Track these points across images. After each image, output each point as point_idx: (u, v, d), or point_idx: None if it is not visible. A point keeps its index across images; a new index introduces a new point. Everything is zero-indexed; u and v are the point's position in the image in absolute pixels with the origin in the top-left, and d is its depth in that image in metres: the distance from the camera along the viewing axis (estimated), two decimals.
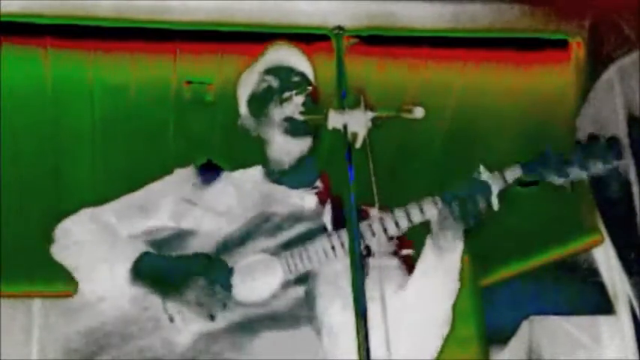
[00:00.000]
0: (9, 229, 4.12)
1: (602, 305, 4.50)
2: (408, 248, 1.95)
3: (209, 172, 2.10)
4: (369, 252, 1.79)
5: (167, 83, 3.63)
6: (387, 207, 1.82)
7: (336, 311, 1.82)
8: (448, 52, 3.65)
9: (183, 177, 2.09)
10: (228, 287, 1.76)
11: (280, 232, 1.85)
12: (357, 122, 1.62)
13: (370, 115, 1.63)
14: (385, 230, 1.79)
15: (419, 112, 1.69)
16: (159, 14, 3.32)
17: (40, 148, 3.91)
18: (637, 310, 3.87)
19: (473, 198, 1.73)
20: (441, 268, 1.81)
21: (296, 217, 1.89)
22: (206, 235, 1.88)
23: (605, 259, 4.42)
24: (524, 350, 4.77)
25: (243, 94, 2.09)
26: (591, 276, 4.57)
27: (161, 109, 3.76)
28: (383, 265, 1.85)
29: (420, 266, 1.85)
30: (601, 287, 4.50)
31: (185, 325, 1.78)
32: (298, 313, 1.79)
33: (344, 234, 1.79)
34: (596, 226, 4.09)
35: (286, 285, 1.80)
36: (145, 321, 1.81)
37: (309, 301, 1.81)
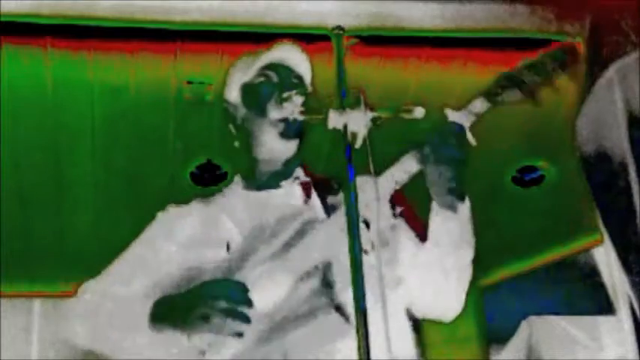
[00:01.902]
0: (9, 229, 4.12)
1: (602, 305, 4.50)
2: (400, 203, 1.94)
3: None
4: (367, 225, 1.78)
5: (167, 83, 3.63)
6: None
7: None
8: (448, 52, 3.65)
9: (170, 218, 2.05)
10: (249, 302, 1.76)
11: (277, 236, 1.85)
12: (357, 122, 1.62)
13: (370, 115, 1.63)
14: (377, 198, 1.78)
15: (419, 112, 1.70)
16: (159, 14, 3.32)
17: (40, 148, 3.92)
18: (637, 310, 3.86)
19: (445, 139, 1.76)
20: (453, 230, 1.82)
21: (287, 217, 1.89)
22: (213, 267, 1.88)
23: (605, 259, 4.42)
24: (524, 350, 4.78)
25: (236, 81, 2.07)
26: (591, 276, 4.57)
27: (161, 109, 3.76)
28: (387, 231, 1.85)
29: (432, 233, 1.85)
30: (601, 287, 4.51)
31: (217, 353, 1.77)
32: (318, 303, 1.78)
33: (337, 216, 1.79)
34: (596, 226, 4.09)
35: (297, 283, 1.79)
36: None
37: (325, 288, 1.79)
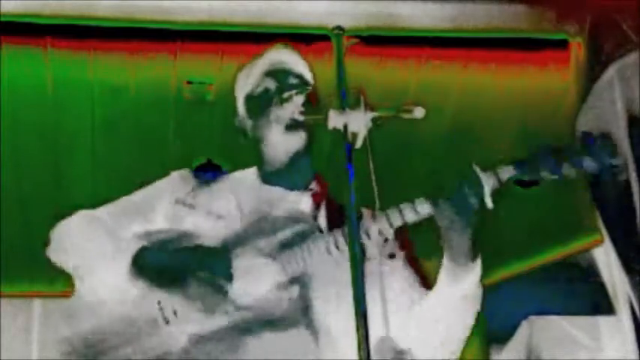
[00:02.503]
0: (9, 229, 4.12)
1: (602, 305, 4.49)
2: (409, 249, 1.95)
3: (206, 173, 2.10)
4: (363, 253, 1.78)
5: (167, 83, 3.63)
6: (376, 209, 1.82)
7: (332, 313, 1.82)
8: (448, 52, 3.65)
9: (180, 179, 2.10)
10: (229, 278, 1.77)
11: (276, 233, 1.85)
12: (357, 122, 1.62)
13: (370, 115, 1.63)
14: (380, 232, 1.78)
15: (419, 112, 1.69)
16: (159, 14, 3.32)
17: (40, 148, 3.91)
18: (637, 310, 3.86)
19: (464, 197, 1.71)
20: (458, 292, 1.81)
21: (292, 219, 1.89)
22: (205, 237, 1.88)
23: (605, 259, 4.42)
24: (524, 350, 4.77)
25: (240, 94, 2.09)
26: (591, 276, 4.57)
27: (161, 109, 3.76)
28: (385, 268, 1.85)
29: (439, 286, 1.84)
30: (601, 287, 4.50)
31: (180, 326, 1.78)
32: (292, 314, 1.78)
33: (339, 235, 1.79)
34: (596, 226, 4.09)
35: (280, 286, 1.79)
36: (142, 322, 1.81)
37: (303, 302, 1.80)
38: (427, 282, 1.93)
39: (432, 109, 1.73)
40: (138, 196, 2.08)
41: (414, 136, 3.81)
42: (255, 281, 1.79)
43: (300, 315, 1.79)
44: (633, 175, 3.45)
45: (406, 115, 1.69)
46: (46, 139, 3.86)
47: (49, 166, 4.00)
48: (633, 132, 3.45)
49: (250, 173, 2.07)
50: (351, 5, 3.36)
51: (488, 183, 1.73)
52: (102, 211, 2.06)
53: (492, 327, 4.75)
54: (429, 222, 1.79)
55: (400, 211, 1.77)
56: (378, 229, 1.78)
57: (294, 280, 1.80)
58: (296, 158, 1.99)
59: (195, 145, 3.97)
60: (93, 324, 1.86)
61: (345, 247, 1.74)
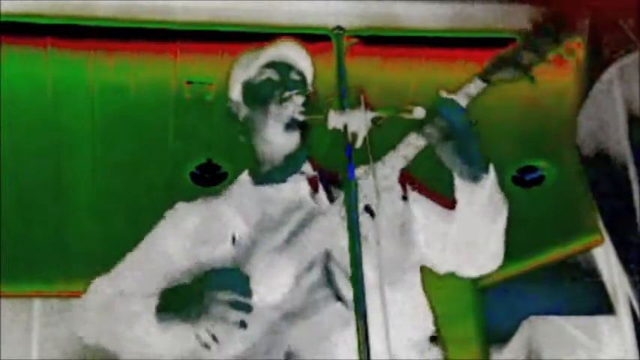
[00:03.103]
0: (9, 229, 4.12)
1: (602, 305, 4.50)
2: (411, 182, 1.94)
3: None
4: (372, 213, 1.78)
5: (167, 83, 3.63)
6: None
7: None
8: (448, 52, 3.65)
9: (183, 214, 2.05)
10: (248, 292, 1.77)
11: (281, 227, 1.85)
12: (357, 122, 1.62)
13: (370, 115, 1.63)
14: (385, 177, 1.79)
15: (419, 112, 1.70)
16: (159, 14, 3.32)
17: (40, 148, 3.91)
18: (637, 310, 3.86)
19: (447, 116, 1.76)
20: (481, 195, 1.81)
21: (293, 208, 1.89)
22: (219, 262, 1.88)
23: (605, 259, 4.42)
24: (524, 350, 4.78)
25: (238, 79, 2.07)
26: (591, 276, 4.57)
27: (161, 109, 3.76)
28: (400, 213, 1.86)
29: (460, 202, 1.84)
30: (601, 287, 4.51)
31: (222, 349, 1.77)
32: (320, 296, 1.78)
33: (338, 205, 1.79)
34: (596, 226, 4.09)
35: (300, 275, 1.79)
36: (187, 356, 1.80)
37: (328, 280, 1.79)
38: (448, 203, 1.92)
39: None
40: (146, 248, 2.04)
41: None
42: (275, 280, 1.78)
43: (328, 292, 1.78)
44: (633, 175, 3.45)
45: (406, 115, 1.70)
46: (46, 139, 3.86)
47: (49, 166, 4.01)
48: (633, 132, 3.45)
49: (243, 180, 2.07)
50: (351, 5, 3.35)
51: (460, 100, 1.82)
52: (117, 276, 2.01)
53: (493, 327, 4.76)
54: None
55: (398, 152, 1.79)
56: (383, 175, 1.77)
57: (312, 264, 1.80)
58: (291, 157, 2.00)
59: (195, 145, 3.98)
60: None
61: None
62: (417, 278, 1.93)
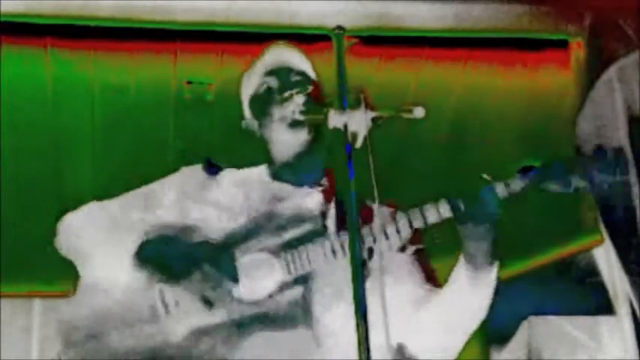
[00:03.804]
0: (9, 229, 4.12)
1: (602, 305, 4.49)
2: (417, 243, 1.95)
3: (215, 169, 2.10)
4: (370, 254, 1.79)
5: (167, 83, 3.63)
6: (395, 206, 1.85)
7: (336, 314, 1.82)
8: (448, 52, 3.65)
9: (189, 175, 2.10)
10: (234, 278, 1.78)
11: (283, 231, 1.85)
12: (357, 122, 1.62)
13: (370, 114, 1.63)
14: (398, 231, 1.80)
15: (419, 112, 1.70)
16: (159, 14, 3.32)
17: (40, 148, 3.91)
18: (637, 310, 3.86)
19: (484, 206, 1.77)
20: (473, 289, 1.85)
21: (300, 218, 1.89)
22: (210, 231, 1.89)
23: (605, 259, 4.41)
24: (524, 350, 4.77)
25: (245, 96, 2.09)
26: (591, 276, 4.57)
27: (161, 109, 3.76)
28: (393, 263, 1.86)
29: (451, 283, 1.86)
30: (601, 287, 4.50)
31: (181, 317, 1.79)
32: (294, 314, 1.79)
33: (346, 236, 1.79)
34: (596, 226, 4.09)
35: (284, 285, 1.80)
36: (143, 309, 1.82)
37: (306, 302, 1.81)
38: (435, 281, 1.94)
39: (432, 109, 1.73)
40: (147, 188, 2.09)
41: (414, 136, 3.81)
42: (259, 279, 1.79)
43: (302, 315, 1.79)
44: (633, 176, 3.45)
45: (406, 115, 1.69)
46: (46, 139, 3.86)
47: (49, 165, 4.00)
48: (633, 132, 3.45)
49: (260, 170, 2.07)
50: (351, 5, 3.35)
51: (500, 190, 1.80)
52: (109, 202, 2.08)
53: (493, 327, 4.74)
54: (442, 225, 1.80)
55: (422, 213, 1.79)
56: (396, 228, 1.78)
57: (298, 280, 1.80)
58: (303, 155, 1.99)
59: (195, 145, 3.97)
60: (92, 307, 1.87)
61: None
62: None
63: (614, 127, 3.50)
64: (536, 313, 4.77)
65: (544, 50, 3.69)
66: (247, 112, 2.08)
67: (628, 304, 4.16)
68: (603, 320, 4.56)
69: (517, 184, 1.82)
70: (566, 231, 4.55)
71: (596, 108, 3.58)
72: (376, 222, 1.79)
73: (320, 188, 1.99)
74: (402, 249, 1.92)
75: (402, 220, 1.80)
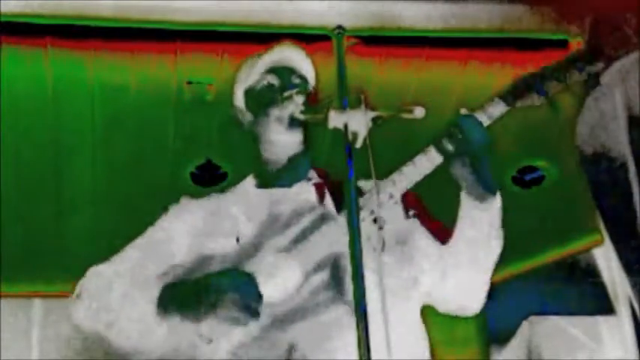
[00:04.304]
0: (9, 229, 4.12)
1: (602, 305, 4.50)
2: (414, 206, 1.94)
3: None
4: (381, 225, 1.78)
5: (167, 83, 3.63)
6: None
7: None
8: (448, 52, 3.65)
9: (184, 212, 2.07)
10: (259, 297, 1.76)
11: (289, 228, 1.85)
12: (357, 122, 1.62)
13: (371, 114, 1.63)
14: (391, 196, 1.79)
15: (419, 112, 1.70)
16: (159, 14, 3.32)
17: (40, 148, 3.91)
18: (637, 310, 3.86)
19: (469, 128, 1.78)
20: (483, 224, 1.84)
21: (300, 211, 1.89)
22: (223, 256, 1.88)
23: (605, 259, 4.42)
24: (524, 350, 4.78)
25: (240, 86, 2.08)
26: (591, 276, 4.57)
27: (161, 109, 3.76)
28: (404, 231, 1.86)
29: (461, 225, 1.87)
30: (601, 287, 4.51)
31: (222, 340, 1.77)
32: (325, 296, 1.78)
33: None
34: (596, 226, 4.09)
35: (307, 276, 1.79)
36: (184, 349, 1.80)
37: (335, 282, 1.80)
38: (447, 234, 1.94)
39: (432, 109, 1.73)
40: (151, 237, 2.04)
41: (414, 136, 3.81)
42: (280, 279, 1.78)
43: (335, 295, 1.78)
44: (633, 175, 3.45)
45: (406, 115, 1.70)
46: (46, 139, 3.86)
47: (49, 166, 4.00)
48: (633, 132, 3.45)
49: (248, 183, 2.07)
50: (351, 5, 3.35)
51: (483, 120, 1.81)
52: (113, 263, 2.01)
53: (493, 327, 4.76)
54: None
55: (414, 165, 1.80)
56: (388, 194, 1.78)
57: (320, 265, 1.79)
58: (294, 159, 2.00)
59: (195, 145, 3.98)
60: None
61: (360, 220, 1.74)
62: (413, 303, 1.93)
63: (614, 127, 3.50)
64: (537, 313, 4.77)
65: (544, 50, 3.69)
66: (240, 102, 2.07)
67: (628, 304, 4.17)
68: (603, 320, 4.57)
69: (495, 108, 1.83)
70: (566, 231, 4.55)
71: (596, 108, 3.58)
72: (372, 195, 1.77)
73: (311, 182, 1.99)
74: (406, 213, 1.92)
75: (397, 177, 1.79)
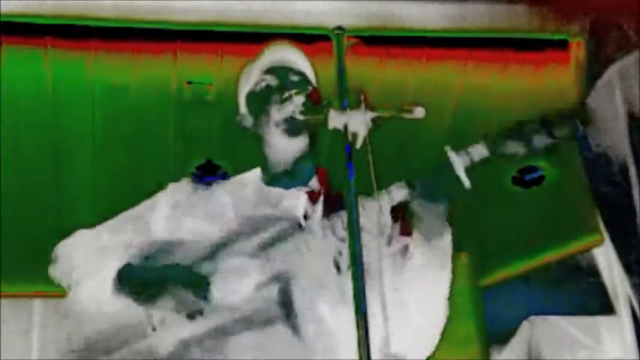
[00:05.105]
0: (9, 229, 4.12)
1: (602, 305, 4.50)
2: (407, 235, 1.95)
3: (204, 180, 2.10)
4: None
5: (167, 83, 3.63)
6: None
7: (322, 306, 1.82)
8: (448, 52, 3.65)
9: (177, 187, 2.09)
10: (204, 297, 1.80)
11: (258, 233, 1.87)
12: (357, 122, 1.62)
13: (371, 115, 1.63)
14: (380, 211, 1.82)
15: (419, 112, 1.70)
16: (159, 14, 3.32)
17: (40, 148, 3.91)
18: (637, 310, 3.87)
19: (436, 178, 1.79)
20: (432, 260, 1.84)
21: (273, 218, 1.90)
22: (192, 244, 1.91)
23: (605, 259, 4.41)
24: (524, 350, 4.77)
25: (242, 92, 2.08)
26: (591, 276, 4.57)
27: (161, 109, 3.76)
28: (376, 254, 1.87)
29: (411, 262, 1.86)
30: (601, 287, 4.50)
31: (167, 332, 1.82)
32: (271, 312, 1.80)
33: (337, 220, 1.83)
34: (596, 226, 4.09)
35: (260, 286, 1.81)
36: (133, 329, 1.85)
37: (284, 299, 1.82)
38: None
39: (432, 109, 1.73)
40: (137, 209, 2.10)
41: (414, 136, 3.81)
42: (237, 283, 1.81)
43: (281, 312, 1.80)
44: (633, 175, 3.45)
45: (406, 115, 1.69)
46: (46, 139, 3.86)
47: (49, 166, 4.00)
48: (633, 132, 3.45)
49: (254, 175, 2.07)
50: (351, 5, 3.36)
51: (460, 161, 1.79)
52: (99, 228, 2.10)
53: (493, 327, 4.75)
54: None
55: (376, 200, 1.81)
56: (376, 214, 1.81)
57: (274, 279, 1.82)
58: (299, 161, 2.00)
59: (195, 145, 3.97)
60: (81, 333, 1.91)
61: (341, 233, 1.79)
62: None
63: (614, 127, 3.50)
64: (537, 313, 4.77)
65: (544, 50, 3.69)
66: (243, 107, 2.07)
67: (628, 304, 4.16)
68: (603, 320, 4.57)
69: (477, 151, 1.81)
70: (566, 231, 4.55)
71: (596, 108, 3.58)
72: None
73: (306, 189, 1.99)
74: (389, 242, 1.92)
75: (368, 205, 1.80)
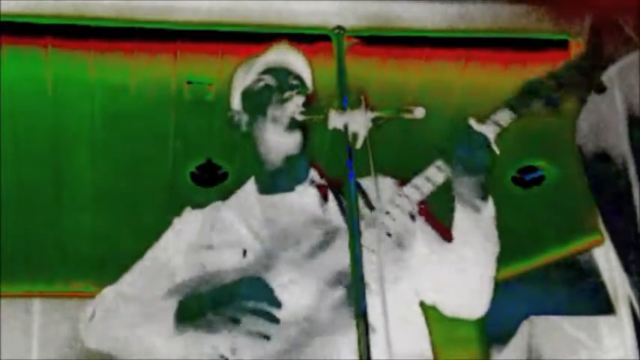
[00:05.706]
0: (9, 229, 4.12)
1: (602, 305, 4.50)
2: (427, 211, 1.94)
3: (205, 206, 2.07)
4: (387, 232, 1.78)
5: (167, 83, 3.63)
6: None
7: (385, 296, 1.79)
8: (448, 52, 3.64)
9: (186, 224, 2.06)
10: (277, 303, 1.75)
11: (300, 242, 1.85)
12: (357, 122, 1.62)
13: (371, 115, 1.63)
14: (410, 214, 1.81)
15: (419, 112, 1.70)
16: (159, 14, 3.32)
17: (40, 148, 3.91)
18: (637, 310, 3.87)
19: (472, 151, 1.78)
20: (478, 230, 1.84)
21: (310, 222, 1.88)
22: (230, 271, 1.87)
23: (605, 259, 4.42)
24: (524, 350, 4.78)
25: (238, 88, 2.08)
26: (591, 276, 4.57)
27: (161, 109, 3.76)
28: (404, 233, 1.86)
29: (457, 232, 1.86)
30: (601, 287, 4.50)
31: (242, 358, 1.76)
32: (342, 313, 1.75)
33: (341, 219, 1.83)
34: (596, 226, 4.09)
35: (323, 292, 1.77)
36: None
37: (352, 298, 1.78)
38: (450, 236, 1.93)
39: (432, 109, 1.73)
40: (151, 260, 2.04)
41: (414, 136, 3.81)
42: (295, 295, 1.77)
43: (351, 311, 1.77)
44: (633, 175, 3.45)
45: (406, 115, 1.70)
46: (46, 138, 3.86)
47: (49, 165, 4.00)
48: (633, 132, 3.45)
49: (249, 187, 2.06)
50: (351, 5, 3.35)
51: (490, 131, 1.81)
52: (123, 283, 2.02)
53: (493, 327, 4.76)
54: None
55: (415, 185, 1.81)
56: (406, 211, 1.80)
57: (335, 282, 1.78)
58: (292, 159, 1.99)
59: (195, 145, 3.98)
60: None
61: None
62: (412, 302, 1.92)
63: (614, 126, 3.50)
64: (537, 313, 4.77)
65: (544, 50, 3.69)
66: (237, 103, 2.06)
67: (628, 304, 4.16)
68: (603, 320, 4.57)
69: (504, 118, 1.84)
70: (566, 231, 4.55)
71: (596, 108, 3.58)
72: (384, 195, 1.79)
73: (313, 184, 1.99)
74: (412, 217, 1.90)
75: (409, 189, 1.80)
